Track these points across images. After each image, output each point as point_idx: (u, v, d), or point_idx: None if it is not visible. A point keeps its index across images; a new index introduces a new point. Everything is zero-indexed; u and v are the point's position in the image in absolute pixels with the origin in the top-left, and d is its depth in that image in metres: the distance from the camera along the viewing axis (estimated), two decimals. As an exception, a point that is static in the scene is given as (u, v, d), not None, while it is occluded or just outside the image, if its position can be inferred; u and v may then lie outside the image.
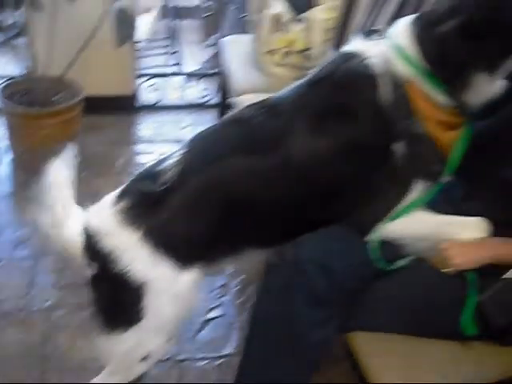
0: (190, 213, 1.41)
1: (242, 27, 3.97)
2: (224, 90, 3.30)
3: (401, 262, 1.44)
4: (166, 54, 4.45)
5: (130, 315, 1.44)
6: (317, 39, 2.67)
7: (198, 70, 4.21)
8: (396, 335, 1.47)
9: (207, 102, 3.81)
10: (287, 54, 2.69)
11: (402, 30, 1.38)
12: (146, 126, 3.64)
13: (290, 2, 2.71)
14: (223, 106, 3.40)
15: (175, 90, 3.88)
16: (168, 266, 1.41)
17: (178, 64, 4.09)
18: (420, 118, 1.34)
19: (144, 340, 1.47)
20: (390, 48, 1.36)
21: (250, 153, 1.40)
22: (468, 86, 1.33)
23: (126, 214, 1.41)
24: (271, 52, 2.71)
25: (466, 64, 1.30)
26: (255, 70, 2.77)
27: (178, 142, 3.44)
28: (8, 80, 3.19)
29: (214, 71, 3.90)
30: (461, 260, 1.39)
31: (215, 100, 3.74)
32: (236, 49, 3.01)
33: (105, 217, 1.43)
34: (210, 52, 4.28)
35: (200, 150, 1.46)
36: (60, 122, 3.03)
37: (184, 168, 1.41)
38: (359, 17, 2.96)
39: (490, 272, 1.41)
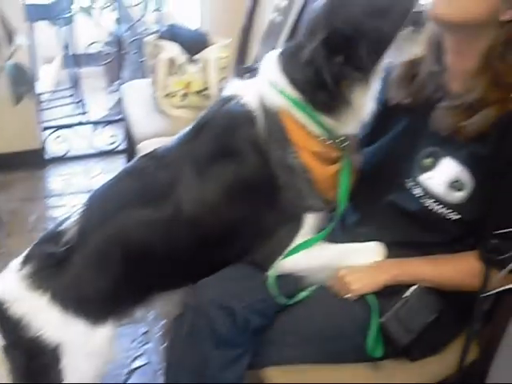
0: (94, 269, 1.43)
1: (142, 72, 4.00)
2: (129, 136, 3.30)
3: (302, 295, 1.48)
4: (71, 103, 4.43)
5: (50, 379, 1.43)
6: (213, 78, 2.70)
7: (104, 117, 4.20)
8: (308, 365, 1.48)
9: (115, 148, 3.80)
10: (185, 95, 2.72)
11: (270, 64, 1.45)
12: (56, 179, 3.60)
13: (183, 44, 2.74)
14: (131, 152, 3.40)
15: (83, 139, 3.85)
16: (80, 324, 1.42)
17: (83, 113, 4.07)
18: (296, 148, 1.39)
19: None
20: (262, 84, 1.43)
21: (144, 204, 1.44)
22: (339, 107, 1.40)
23: (32, 278, 1.42)
24: (169, 95, 2.73)
25: (332, 83, 1.35)
26: (156, 114, 2.78)
27: (89, 191, 3.39)
28: None
29: (120, 117, 3.90)
30: (358, 286, 1.45)
31: (123, 146, 3.72)
32: (136, 94, 3.02)
33: (11, 283, 1.43)
34: (114, 98, 4.28)
35: (97, 206, 1.50)
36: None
37: (83, 226, 1.45)
38: (254, 52, 3.04)
39: (390, 292, 1.46)
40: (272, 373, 1.48)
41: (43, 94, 3.98)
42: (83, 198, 3.18)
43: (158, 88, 2.73)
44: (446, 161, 1.43)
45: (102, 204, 1.50)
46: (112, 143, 3.82)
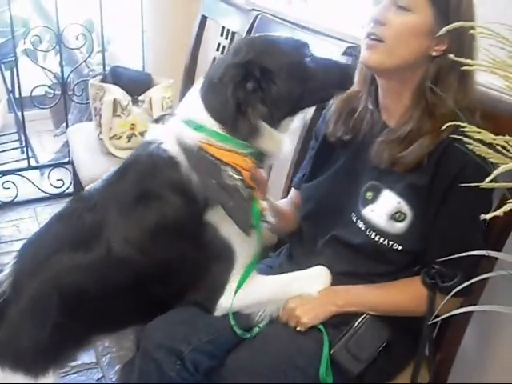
0: (30, 320, 1.41)
1: (88, 114, 3.98)
2: (77, 179, 3.27)
3: (255, 330, 1.49)
4: (17, 148, 4.37)
5: None
6: (157, 119, 2.71)
7: (51, 160, 4.15)
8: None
9: (64, 191, 3.75)
10: (131, 136, 2.72)
11: (190, 101, 1.49)
12: (5, 225, 3.54)
13: (127, 85, 2.75)
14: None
15: (30, 184, 3.80)
16: (20, 379, 1.39)
17: (30, 157, 4.02)
18: (230, 168, 1.39)
19: None
20: (178, 124, 1.45)
21: (75, 248, 1.45)
22: (255, 136, 1.41)
23: None
24: (115, 137, 2.72)
25: (233, 104, 1.37)
26: (102, 156, 2.77)
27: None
28: None
29: (67, 160, 3.86)
30: (308, 318, 1.47)
31: (71, 189, 3.67)
32: (82, 136, 3.01)
33: None
34: (60, 141, 4.25)
35: (30, 255, 1.50)
36: None
37: (16, 277, 1.44)
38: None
39: (339, 322, 1.48)
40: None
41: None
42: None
43: (104, 130, 2.72)
44: (386, 193, 1.47)
45: (34, 252, 1.49)
46: (60, 187, 3.78)
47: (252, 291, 1.47)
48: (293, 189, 1.82)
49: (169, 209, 1.41)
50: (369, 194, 1.50)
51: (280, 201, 1.87)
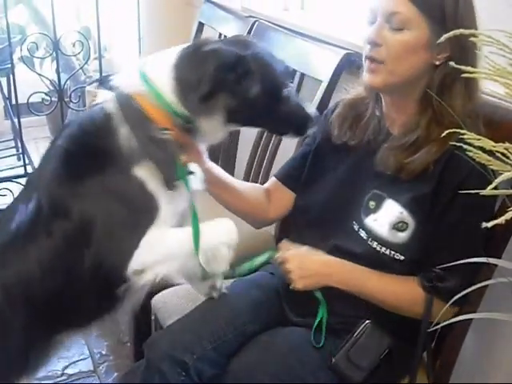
0: None
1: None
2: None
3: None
4: (14, 155, 4.36)
5: None
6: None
7: (49, 166, 4.13)
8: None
9: (61, 198, 3.72)
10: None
11: (163, 58, 1.45)
12: (1, 233, 3.51)
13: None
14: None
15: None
16: None
17: (26, 164, 4.01)
18: (158, 125, 1.37)
19: None
20: (136, 73, 1.43)
21: (19, 241, 1.41)
22: (204, 115, 1.40)
23: None
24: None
25: (207, 87, 1.34)
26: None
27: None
28: None
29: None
30: (300, 285, 1.51)
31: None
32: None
33: None
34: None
35: None
36: None
37: None
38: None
39: (340, 330, 1.47)
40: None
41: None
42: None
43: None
44: (389, 203, 1.46)
45: None
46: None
47: (161, 244, 1.39)
48: (273, 178, 1.81)
49: (98, 164, 1.38)
50: (372, 203, 1.50)
51: (250, 184, 1.90)
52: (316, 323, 1.50)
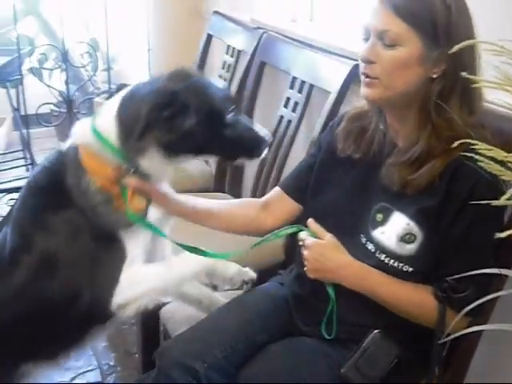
0: None
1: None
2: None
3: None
4: (22, 165, 4.38)
5: None
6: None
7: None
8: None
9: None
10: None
11: (109, 104, 1.55)
12: (9, 243, 3.52)
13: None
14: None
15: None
16: None
17: (35, 174, 4.03)
18: (90, 176, 1.47)
19: None
20: (87, 123, 1.53)
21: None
22: (141, 155, 1.48)
23: None
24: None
25: (141, 125, 1.41)
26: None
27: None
28: None
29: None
30: (313, 276, 1.51)
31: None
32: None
33: None
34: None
35: None
36: None
37: None
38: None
39: (348, 340, 1.47)
40: None
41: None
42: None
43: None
44: (396, 215, 1.46)
45: None
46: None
47: (141, 279, 1.49)
48: (277, 188, 1.80)
49: (59, 203, 1.48)
50: (379, 216, 1.49)
51: (239, 200, 1.91)
52: (327, 314, 1.49)
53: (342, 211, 1.58)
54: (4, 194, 3.72)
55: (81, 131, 1.53)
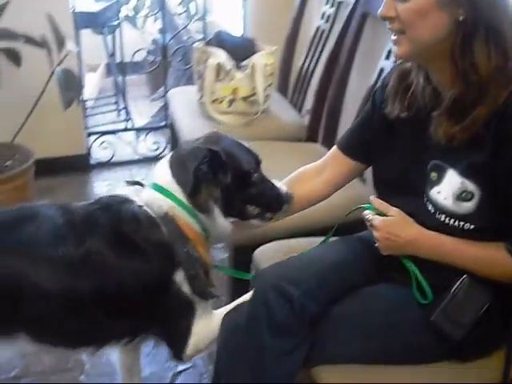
0: None
1: (185, 80, 4.04)
2: (174, 142, 3.34)
3: None
4: (114, 110, 4.49)
5: None
6: (260, 85, 2.72)
7: (147, 124, 4.25)
8: (359, 366, 1.47)
9: (159, 155, 3.82)
10: (232, 101, 2.74)
11: (161, 170, 1.59)
12: (101, 184, 3.65)
13: (230, 50, 2.77)
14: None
15: (126, 146, 3.90)
16: None
17: (127, 120, 4.12)
18: (193, 243, 1.53)
19: None
20: (153, 190, 1.57)
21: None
22: (210, 217, 1.56)
23: None
24: (216, 101, 2.75)
25: (192, 182, 1.50)
26: (202, 119, 2.81)
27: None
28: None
29: (163, 124, 3.96)
30: (383, 250, 1.51)
31: (166, 152, 3.75)
32: (182, 100, 3.06)
33: None
34: (157, 105, 4.32)
35: None
36: (12, 188, 3.01)
37: None
38: (300, 60, 3.05)
39: (437, 286, 1.45)
40: (323, 372, 1.48)
41: (87, 100, 4.04)
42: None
43: (206, 94, 2.76)
44: (450, 173, 1.43)
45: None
46: (155, 150, 3.87)
47: (209, 331, 1.58)
48: (335, 148, 1.79)
49: (147, 261, 1.50)
50: (433, 175, 1.46)
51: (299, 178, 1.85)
52: (414, 283, 1.47)
53: (402, 174, 1.56)
54: (97, 136, 3.80)
55: (150, 196, 1.55)
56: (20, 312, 1.44)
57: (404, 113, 1.53)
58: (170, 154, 1.64)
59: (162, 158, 1.65)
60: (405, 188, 1.54)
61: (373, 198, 1.56)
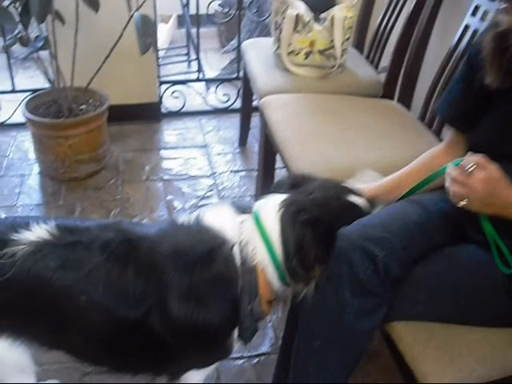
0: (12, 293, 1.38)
1: (259, 32, 4.01)
2: (246, 94, 3.33)
3: None
4: (185, 61, 4.50)
5: None
6: (338, 38, 2.67)
7: (218, 75, 4.25)
8: (437, 324, 1.46)
9: (229, 106, 3.84)
10: (309, 54, 2.70)
11: (270, 211, 1.49)
12: (171, 132, 3.69)
13: (310, 1, 2.72)
14: (245, 110, 3.43)
15: (197, 97, 3.91)
16: None
17: (198, 71, 4.13)
18: (259, 299, 1.46)
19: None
20: (254, 228, 1.47)
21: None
22: (307, 282, 1.46)
23: None
24: (293, 53, 2.72)
25: (312, 266, 1.42)
26: (278, 70, 2.78)
27: (202, 147, 3.49)
28: (33, 92, 3.24)
29: (234, 76, 3.95)
30: (466, 208, 1.38)
31: (236, 104, 3.77)
32: (257, 51, 3.03)
33: None
34: (228, 58, 4.32)
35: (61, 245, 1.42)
36: (85, 132, 3.08)
37: (33, 253, 1.37)
38: (378, 15, 2.98)
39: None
40: (400, 328, 1.47)
41: (159, 50, 4.06)
42: (197, 152, 3.26)
43: (282, 45, 2.72)
44: None
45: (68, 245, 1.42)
46: (225, 101, 3.87)
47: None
48: (452, 130, 1.71)
49: (217, 317, 1.44)
50: None
51: (425, 159, 1.77)
52: (494, 249, 1.43)
53: (499, 142, 1.50)
54: (169, 85, 3.82)
55: (252, 239, 1.47)
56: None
57: (505, 84, 1.44)
58: (284, 200, 1.50)
59: (231, 110, 1.57)
60: (500, 157, 1.45)
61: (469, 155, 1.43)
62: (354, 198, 1.54)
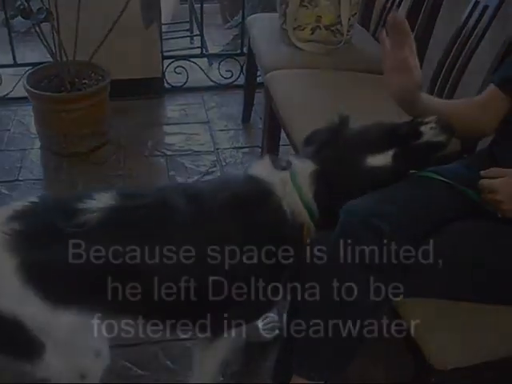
0: (77, 267, 1.35)
1: (262, 8, 3.96)
2: (250, 70, 3.30)
3: None
4: (188, 37, 4.46)
5: (27, 348, 1.40)
6: (344, 14, 2.64)
7: (221, 51, 4.21)
8: (448, 301, 1.45)
9: (232, 82, 3.81)
10: (315, 29, 2.67)
11: (304, 168, 1.57)
12: (174, 108, 3.66)
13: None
14: (249, 86, 3.40)
15: (200, 72, 3.88)
16: (37, 304, 1.34)
17: (201, 46, 4.09)
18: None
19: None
20: (290, 180, 1.56)
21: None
22: None
23: (13, 237, 1.34)
24: (299, 28, 2.68)
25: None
26: (283, 46, 2.75)
27: (205, 122, 3.47)
28: (35, 66, 3.20)
29: (237, 52, 3.91)
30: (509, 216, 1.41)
31: (239, 81, 3.74)
32: (262, 27, 2.99)
33: None
34: (231, 34, 4.28)
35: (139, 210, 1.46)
36: (88, 106, 3.05)
37: (105, 218, 1.40)
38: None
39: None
40: (409, 305, 1.47)
41: (163, 25, 4.02)
42: (199, 128, 3.24)
43: (288, 20, 2.69)
44: None
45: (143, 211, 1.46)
46: (228, 77, 3.83)
47: None
48: (491, 85, 1.69)
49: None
50: None
51: (458, 102, 1.80)
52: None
53: None
54: (172, 60, 3.78)
55: (293, 197, 1.55)
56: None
57: None
58: (317, 157, 1.60)
59: (234, 86, 1.61)
60: None
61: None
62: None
